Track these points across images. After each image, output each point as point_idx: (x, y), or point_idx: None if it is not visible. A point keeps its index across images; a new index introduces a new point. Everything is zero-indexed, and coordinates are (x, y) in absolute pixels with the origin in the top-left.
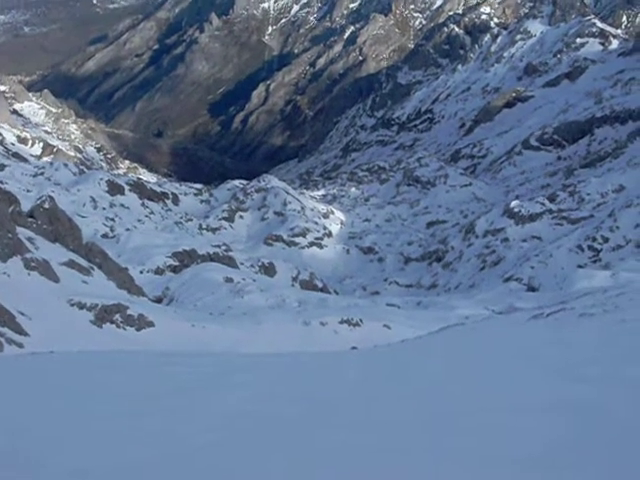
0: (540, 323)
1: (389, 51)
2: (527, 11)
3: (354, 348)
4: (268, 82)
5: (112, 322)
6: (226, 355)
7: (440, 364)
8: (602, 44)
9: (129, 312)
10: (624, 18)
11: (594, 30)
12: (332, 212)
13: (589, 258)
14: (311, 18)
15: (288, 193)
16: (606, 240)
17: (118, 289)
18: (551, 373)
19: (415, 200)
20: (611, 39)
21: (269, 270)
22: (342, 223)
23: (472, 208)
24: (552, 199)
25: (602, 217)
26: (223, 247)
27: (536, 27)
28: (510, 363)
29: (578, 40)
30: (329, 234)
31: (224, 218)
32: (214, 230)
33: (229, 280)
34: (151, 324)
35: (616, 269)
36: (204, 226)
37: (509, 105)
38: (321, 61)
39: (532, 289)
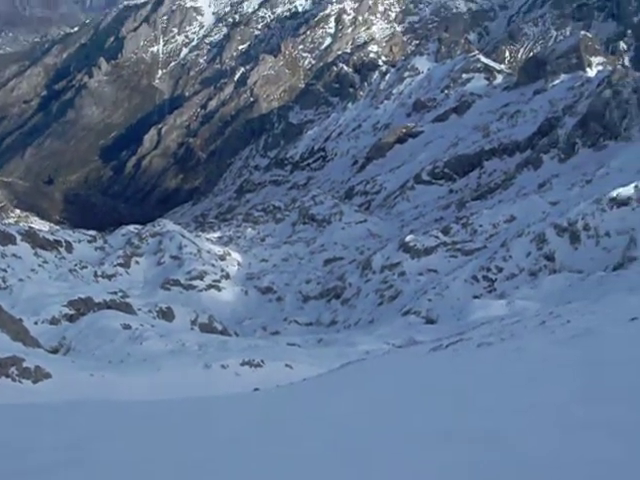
0: (439, 355)
1: (280, 91)
2: (414, 49)
3: (256, 389)
4: (160, 125)
5: (7, 376)
6: (125, 403)
7: (341, 400)
8: (487, 79)
9: (25, 364)
10: (507, 53)
11: (479, 66)
12: (229, 254)
13: (484, 288)
14: (201, 60)
15: (184, 236)
16: (500, 270)
17: (13, 341)
18: (449, 403)
19: (311, 238)
20: (495, 74)
21: (167, 315)
22: (239, 264)
23: (368, 244)
24: (446, 232)
25: (495, 247)
26: (120, 293)
27: (423, 64)
28: (409, 395)
29: (464, 76)
30: (226, 276)
31: (119, 264)
32: (110, 277)
33: (127, 327)
34: (48, 375)
35: (511, 298)
36: (99, 273)
37: (400, 141)
38: (212, 103)
39: (430, 321)
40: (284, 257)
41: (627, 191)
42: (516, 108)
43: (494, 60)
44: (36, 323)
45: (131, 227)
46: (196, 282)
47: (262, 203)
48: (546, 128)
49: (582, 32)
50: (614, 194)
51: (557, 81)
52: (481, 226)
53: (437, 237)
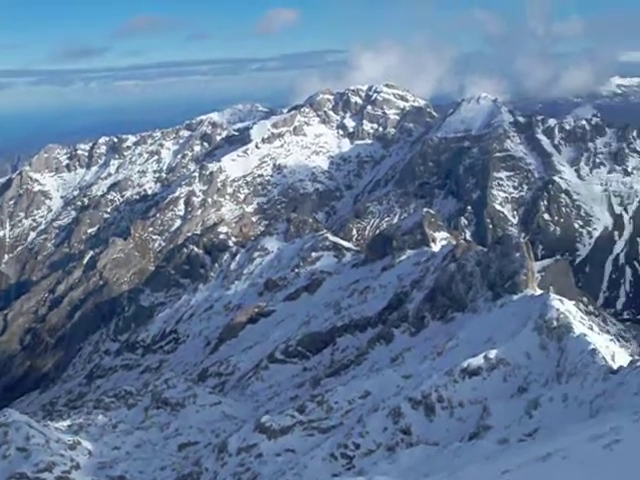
0: None
1: (130, 274)
2: (263, 229)
3: None
4: (6, 312)
5: None
6: None
7: None
8: (336, 257)
9: None
10: (354, 231)
11: (327, 244)
12: (79, 442)
13: (343, 466)
14: (49, 244)
15: (31, 426)
16: (357, 446)
17: None
18: None
19: (165, 423)
20: (344, 252)
21: None
22: (90, 453)
23: (223, 426)
24: (301, 410)
25: (352, 424)
26: None
27: (273, 244)
28: None
29: (313, 254)
30: (77, 466)
31: None
32: None
33: None
34: None
35: (370, 475)
36: None
37: (252, 321)
38: (61, 287)
39: None
40: (137, 444)
41: (477, 361)
42: (365, 284)
43: (342, 238)
44: None
45: None
46: (44, 475)
47: (113, 388)
48: (395, 303)
49: (425, 209)
50: (465, 365)
51: (404, 257)
52: (336, 403)
53: (293, 416)
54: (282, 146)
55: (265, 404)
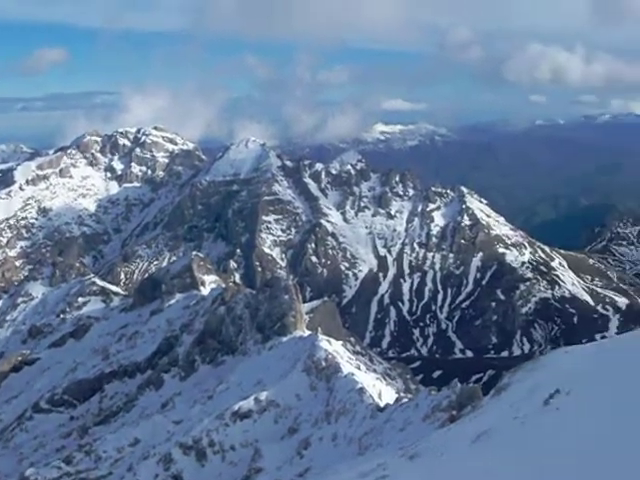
0: None
1: None
2: (27, 274)
3: None
4: None
5: None
6: None
7: None
8: (104, 301)
9: None
10: (122, 275)
11: (95, 288)
12: None
13: None
14: None
15: None
16: None
17: None
18: None
19: None
20: (112, 296)
21: None
22: None
23: None
24: (69, 461)
25: (122, 472)
26: None
27: (37, 289)
28: None
29: (80, 299)
30: None
31: None
32: None
33: None
34: None
35: None
36: None
37: (16, 369)
38: None
39: None
40: None
41: (248, 404)
42: (135, 329)
43: (110, 282)
44: None
45: None
46: None
47: None
48: (165, 347)
49: (194, 252)
50: (236, 408)
51: (173, 300)
52: (105, 452)
53: (60, 467)
54: (47, 188)
55: (30, 456)
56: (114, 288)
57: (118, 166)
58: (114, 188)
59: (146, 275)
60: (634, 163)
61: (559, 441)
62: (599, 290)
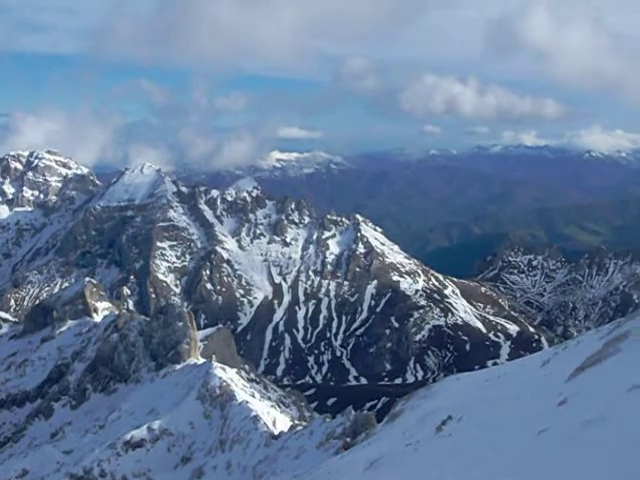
0: None
1: None
2: None
3: None
4: None
5: None
6: None
7: None
8: None
9: None
10: (12, 302)
11: None
12: None
13: None
14: None
15: None
16: None
17: None
18: None
19: None
20: (1, 323)
21: None
22: None
23: None
24: None
25: None
26: None
27: None
28: None
29: None
30: None
31: None
32: None
33: None
34: None
35: None
36: None
37: None
38: None
39: None
40: None
41: (140, 433)
42: (24, 357)
43: (0, 309)
44: None
45: None
46: None
47: None
48: (56, 375)
49: (87, 279)
50: (128, 437)
51: (64, 327)
52: None
53: None
54: None
55: None
56: (3, 314)
57: (9, 190)
58: (5, 212)
59: (37, 301)
60: (524, 193)
61: (451, 467)
62: (491, 317)
